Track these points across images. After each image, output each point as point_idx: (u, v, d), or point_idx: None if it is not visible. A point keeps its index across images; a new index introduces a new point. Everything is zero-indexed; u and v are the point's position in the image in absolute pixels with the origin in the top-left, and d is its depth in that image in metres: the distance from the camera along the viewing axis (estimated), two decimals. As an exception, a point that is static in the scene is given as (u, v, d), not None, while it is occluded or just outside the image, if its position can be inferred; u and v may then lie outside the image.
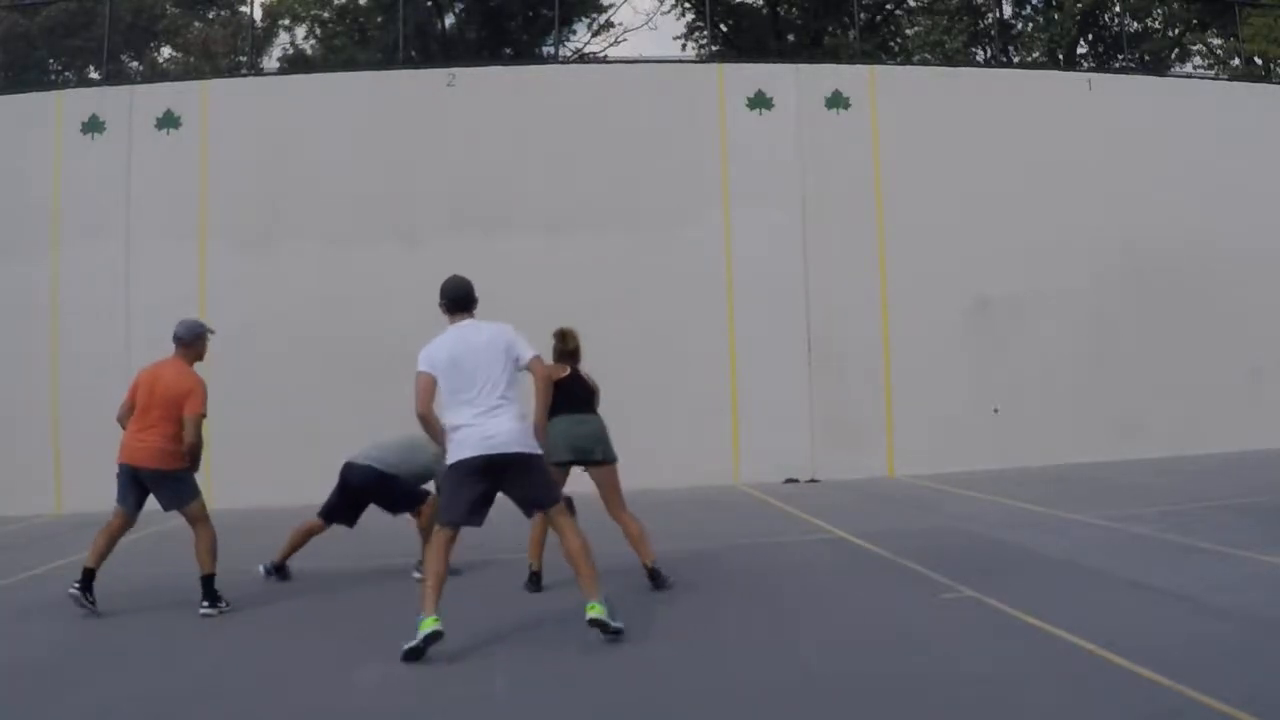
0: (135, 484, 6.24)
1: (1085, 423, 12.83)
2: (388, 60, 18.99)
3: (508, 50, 22.00)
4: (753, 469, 12.32)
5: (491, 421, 5.07)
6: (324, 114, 13.12)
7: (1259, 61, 20.84)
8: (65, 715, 4.30)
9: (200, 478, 6.43)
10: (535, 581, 6.50)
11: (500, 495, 5.19)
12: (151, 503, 6.38)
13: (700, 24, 22.97)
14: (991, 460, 12.16)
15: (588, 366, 6.96)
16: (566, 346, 6.70)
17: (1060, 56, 21.44)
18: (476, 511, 5.09)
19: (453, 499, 5.10)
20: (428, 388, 5.24)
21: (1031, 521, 8.27)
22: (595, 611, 4.95)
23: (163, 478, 6.18)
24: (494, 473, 5.04)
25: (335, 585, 7.04)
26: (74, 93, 13.94)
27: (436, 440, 5.34)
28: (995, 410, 12.05)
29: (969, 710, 3.83)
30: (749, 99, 13.36)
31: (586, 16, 24.03)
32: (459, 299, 5.58)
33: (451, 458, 5.09)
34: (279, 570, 7.19)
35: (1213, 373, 13.19)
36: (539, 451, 5.22)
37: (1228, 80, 18.21)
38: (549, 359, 6.31)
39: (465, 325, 5.45)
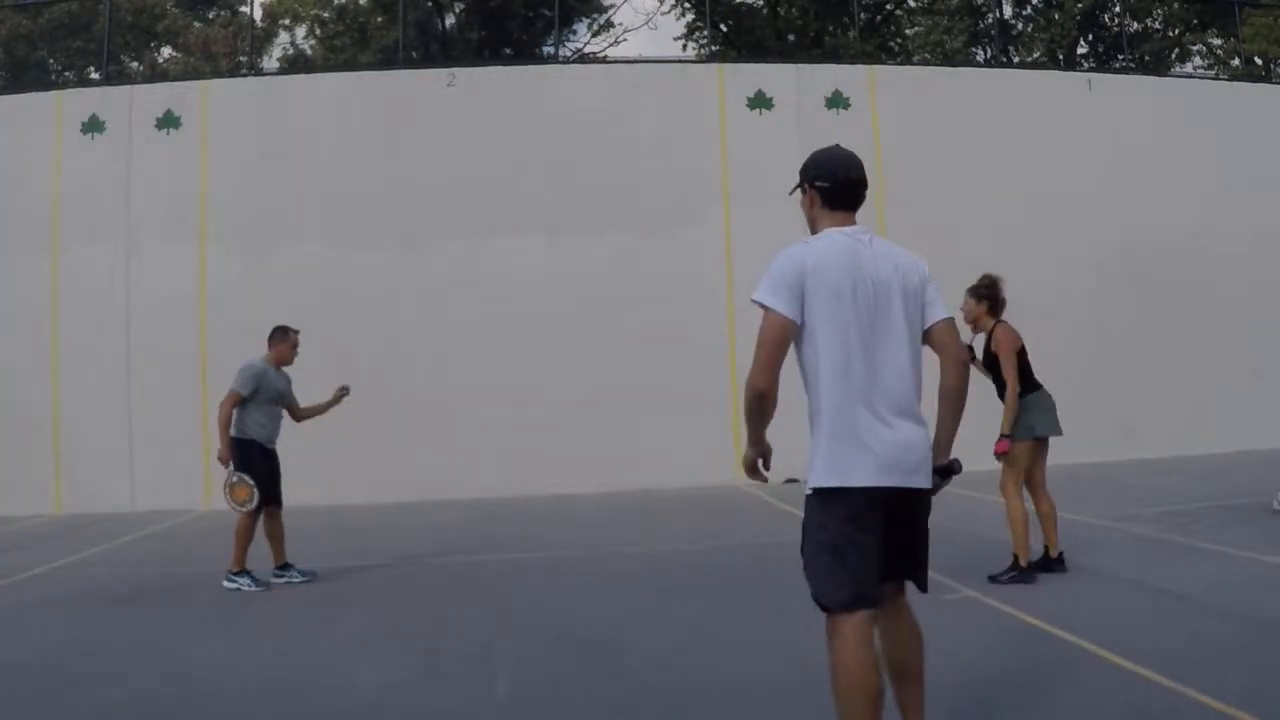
0: None
1: (1085, 423, 12.73)
2: (388, 60, 19.00)
3: (508, 50, 22.00)
4: (753, 469, 12.30)
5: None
6: (324, 114, 13.12)
7: (1259, 61, 20.85)
8: (65, 715, 4.30)
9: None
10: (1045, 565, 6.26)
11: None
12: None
13: (700, 24, 22.98)
14: (991, 460, 12.16)
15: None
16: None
17: (1060, 56, 21.45)
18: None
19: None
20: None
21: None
22: None
23: None
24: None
25: (335, 585, 7.03)
26: (74, 93, 13.93)
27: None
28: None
29: (969, 710, 3.82)
30: (749, 99, 13.36)
31: (586, 17, 24.05)
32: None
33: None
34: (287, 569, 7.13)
35: (1213, 373, 13.19)
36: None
37: (1228, 80, 18.20)
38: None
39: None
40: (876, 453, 2.97)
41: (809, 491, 3.09)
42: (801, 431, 3.28)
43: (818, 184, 3.28)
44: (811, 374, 3.07)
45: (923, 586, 3.19)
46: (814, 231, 3.28)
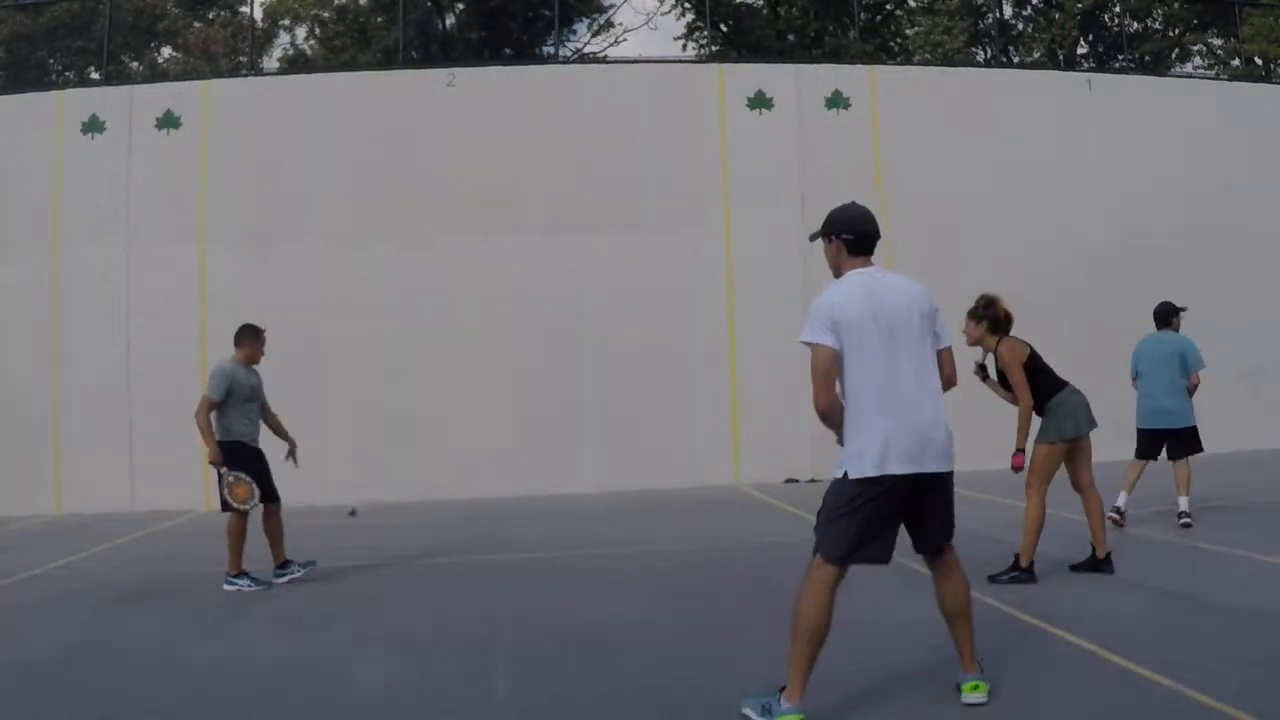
0: None
1: (1085, 423, 12.84)
2: (388, 60, 19.01)
3: (508, 50, 22.01)
4: (753, 469, 12.31)
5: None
6: (324, 114, 13.11)
7: (1259, 61, 20.86)
8: (65, 715, 4.30)
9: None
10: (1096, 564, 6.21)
11: None
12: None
13: (700, 24, 22.99)
14: (991, 460, 12.16)
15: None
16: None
17: (1060, 56, 21.47)
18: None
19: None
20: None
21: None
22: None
23: None
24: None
25: (335, 584, 7.03)
26: (74, 93, 13.94)
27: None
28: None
29: (969, 710, 3.82)
30: (749, 99, 13.36)
31: (586, 17, 24.06)
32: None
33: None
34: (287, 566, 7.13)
35: (1211, 373, 13.16)
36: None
37: (1228, 80, 18.20)
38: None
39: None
40: (894, 447, 3.61)
41: (840, 474, 3.71)
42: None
43: (843, 236, 3.88)
44: (847, 386, 3.73)
45: (945, 540, 3.89)
46: (837, 274, 3.90)
